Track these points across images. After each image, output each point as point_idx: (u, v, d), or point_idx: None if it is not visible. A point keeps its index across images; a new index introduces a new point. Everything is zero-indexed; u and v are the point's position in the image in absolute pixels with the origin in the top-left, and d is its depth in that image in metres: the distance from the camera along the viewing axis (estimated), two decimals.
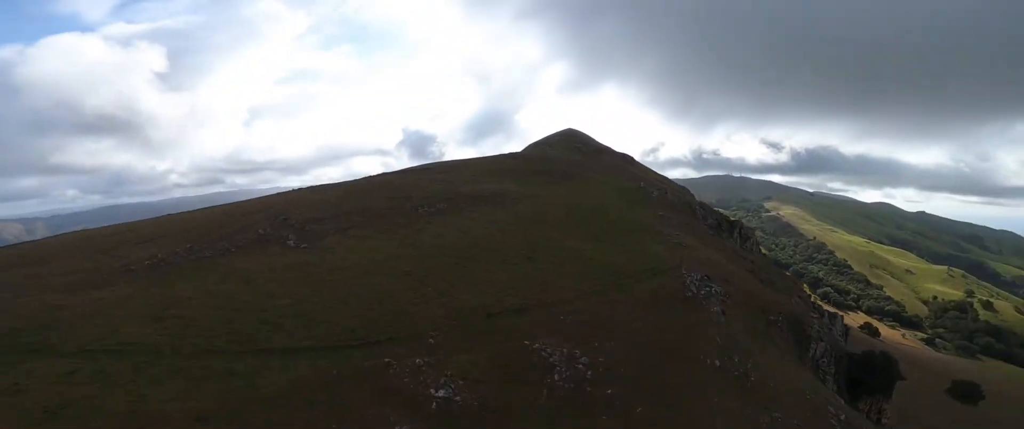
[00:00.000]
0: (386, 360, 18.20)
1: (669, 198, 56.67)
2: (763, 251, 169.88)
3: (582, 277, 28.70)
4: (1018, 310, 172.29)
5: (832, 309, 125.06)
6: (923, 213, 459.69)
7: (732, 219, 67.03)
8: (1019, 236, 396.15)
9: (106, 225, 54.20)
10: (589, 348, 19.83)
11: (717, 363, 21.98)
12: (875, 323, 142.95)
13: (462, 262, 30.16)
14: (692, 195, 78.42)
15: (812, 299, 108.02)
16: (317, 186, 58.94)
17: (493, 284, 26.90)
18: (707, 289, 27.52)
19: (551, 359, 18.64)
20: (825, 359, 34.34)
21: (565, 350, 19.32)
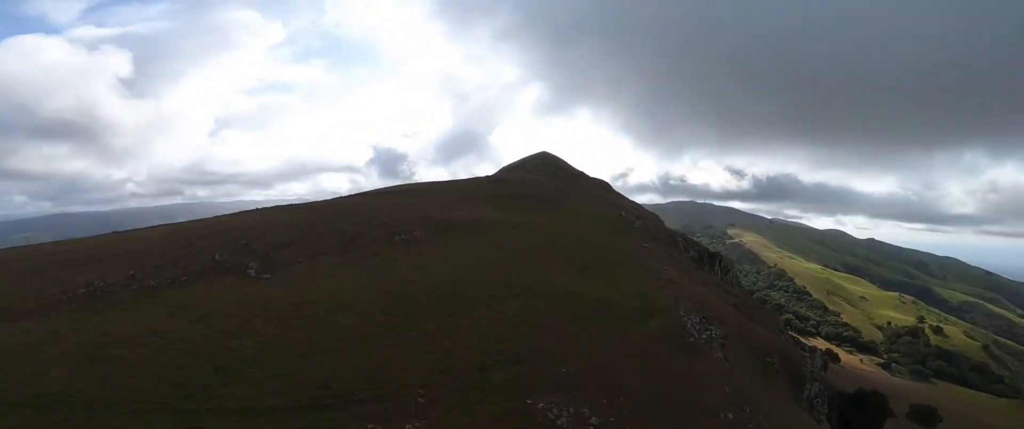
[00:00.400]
0: (369, 427, 15.49)
1: (651, 228, 55.71)
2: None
3: (575, 318, 26.65)
4: (967, 334, 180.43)
5: (799, 337, 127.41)
6: (873, 240, 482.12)
7: (712, 251, 66.78)
8: (961, 262, 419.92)
9: (51, 237, 48.96)
10: (598, 406, 17.69)
11: (730, 416, 20.21)
12: (835, 349, 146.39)
13: (445, 299, 27.65)
14: (662, 223, 78.28)
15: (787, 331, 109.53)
16: (284, 205, 55.24)
17: (481, 327, 24.49)
18: (708, 333, 26.00)
19: (559, 421, 16.36)
20: (819, 399, 33.27)
21: (572, 409, 17.11)
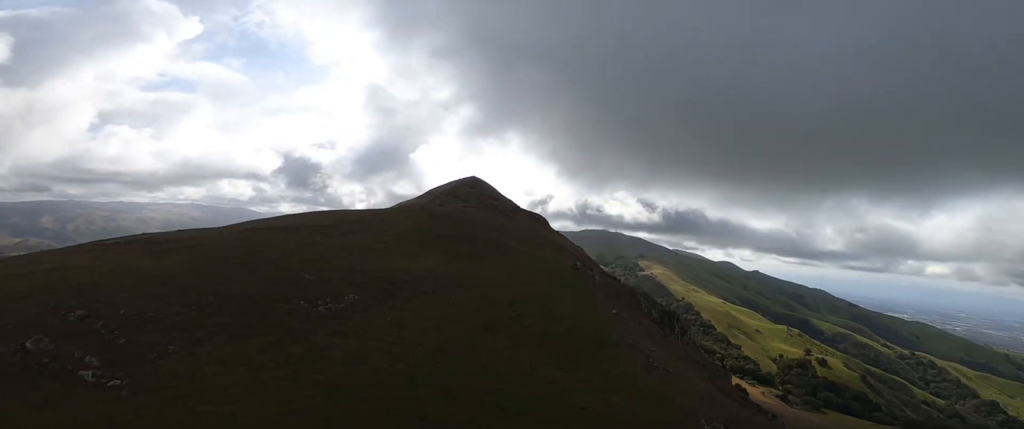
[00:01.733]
0: None
1: (608, 282, 50.52)
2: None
3: None
4: (846, 365, 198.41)
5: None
6: (758, 272, 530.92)
7: (668, 309, 63.24)
8: (829, 294, 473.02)
9: None
10: None
11: None
12: (743, 384, 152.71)
13: (401, 420, 19.15)
14: (599, 266, 74.12)
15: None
16: (151, 238, 41.91)
17: None
18: None
19: None
20: None
21: None
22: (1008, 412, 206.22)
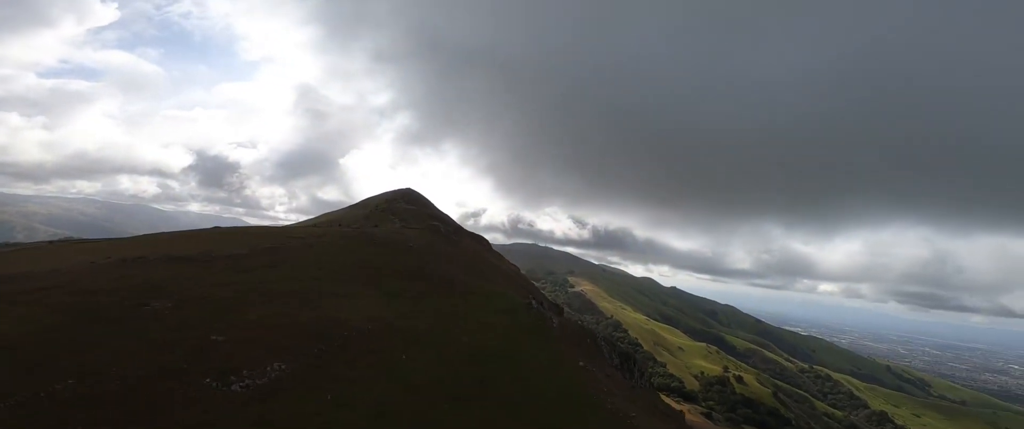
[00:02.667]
0: None
1: (566, 323, 46.49)
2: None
3: None
4: (758, 381, 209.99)
5: None
6: (676, 288, 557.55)
7: (626, 351, 60.29)
8: (738, 310, 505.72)
9: None
10: None
11: None
12: (670, 402, 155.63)
13: None
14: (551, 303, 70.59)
15: None
16: None
17: None
18: None
19: None
20: None
21: None
22: (896, 421, 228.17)
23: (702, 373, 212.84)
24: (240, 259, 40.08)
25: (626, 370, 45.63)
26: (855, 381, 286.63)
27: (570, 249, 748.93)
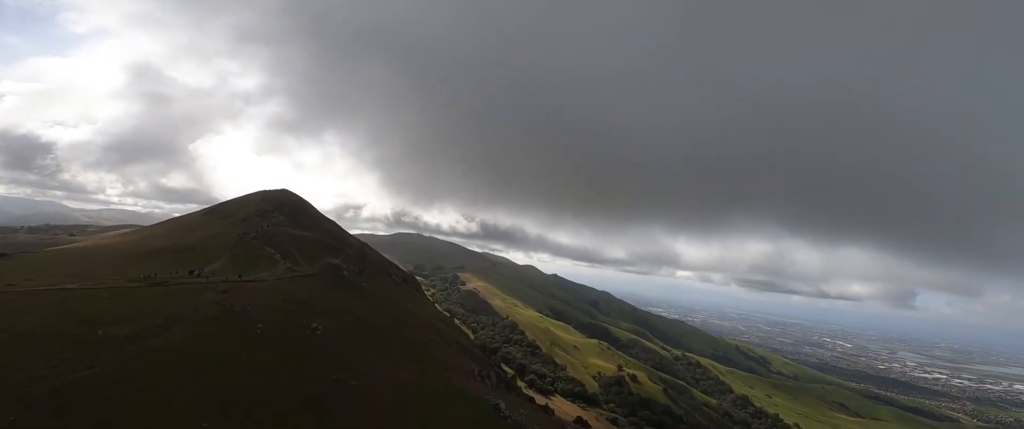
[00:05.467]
0: None
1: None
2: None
3: None
4: (650, 379, 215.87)
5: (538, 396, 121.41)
6: (557, 276, 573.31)
7: None
8: (614, 296, 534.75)
9: None
10: None
11: None
12: (583, 414, 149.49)
13: None
14: None
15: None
16: None
17: None
18: None
19: None
20: None
21: None
22: (755, 404, 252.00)
23: (599, 373, 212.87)
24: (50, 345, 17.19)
25: None
26: (718, 366, 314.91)
27: (455, 239, 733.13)
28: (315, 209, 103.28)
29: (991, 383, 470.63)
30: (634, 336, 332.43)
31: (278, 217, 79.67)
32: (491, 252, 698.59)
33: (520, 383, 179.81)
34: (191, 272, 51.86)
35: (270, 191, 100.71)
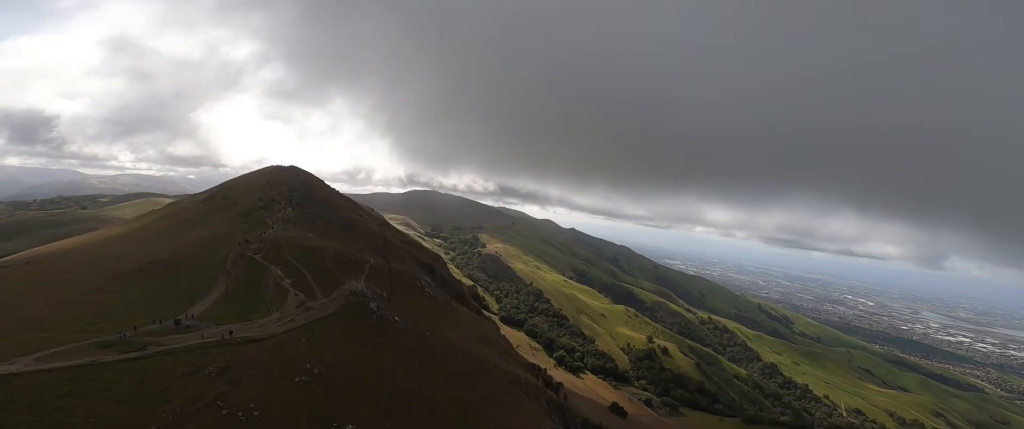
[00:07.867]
0: None
1: None
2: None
3: None
4: (681, 353, 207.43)
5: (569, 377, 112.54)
6: (574, 230, 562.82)
7: None
8: (633, 251, 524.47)
9: None
10: None
11: None
12: (616, 397, 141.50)
13: None
14: None
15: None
16: None
17: None
18: None
19: None
20: None
21: None
22: (784, 373, 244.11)
23: (629, 345, 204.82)
24: None
25: None
26: (745, 330, 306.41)
27: (470, 196, 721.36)
28: (327, 188, 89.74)
29: (1015, 348, 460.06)
30: (658, 297, 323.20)
31: (286, 209, 66.83)
32: (507, 207, 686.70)
33: (550, 359, 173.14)
34: (177, 322, 40.14)
35: (277, 170, 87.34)
